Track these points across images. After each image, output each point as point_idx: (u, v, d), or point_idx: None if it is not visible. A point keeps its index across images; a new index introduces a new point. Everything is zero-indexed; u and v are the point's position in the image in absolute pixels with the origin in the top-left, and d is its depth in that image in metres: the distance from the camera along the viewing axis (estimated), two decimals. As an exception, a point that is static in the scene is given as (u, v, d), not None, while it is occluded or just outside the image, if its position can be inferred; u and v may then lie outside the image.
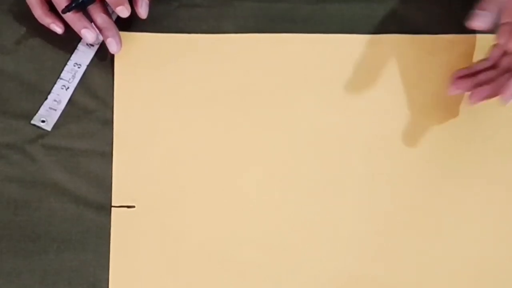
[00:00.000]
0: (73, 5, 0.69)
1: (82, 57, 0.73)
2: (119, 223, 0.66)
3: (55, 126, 0.70)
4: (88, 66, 0.73)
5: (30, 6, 0.71)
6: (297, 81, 0.74)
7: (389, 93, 0.75)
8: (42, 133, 0.70)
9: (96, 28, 0.71)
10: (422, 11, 0.78)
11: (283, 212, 0.68)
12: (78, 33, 0.70)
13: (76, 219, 0.66)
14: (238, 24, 0.77)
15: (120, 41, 0.71)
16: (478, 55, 0.78)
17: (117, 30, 0.72)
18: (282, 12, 0.78)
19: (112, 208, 0.66)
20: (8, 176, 0.68)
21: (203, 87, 0.73)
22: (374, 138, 0.72)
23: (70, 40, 0.73)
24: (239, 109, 0.73)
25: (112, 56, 0.73)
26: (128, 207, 0.67)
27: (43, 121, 0.70)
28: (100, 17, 0.71)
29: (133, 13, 0.76)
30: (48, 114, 0.70)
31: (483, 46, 0.78)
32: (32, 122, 0.70)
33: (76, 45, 0.74)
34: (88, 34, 0.70)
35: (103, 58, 0.73)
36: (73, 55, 0.73)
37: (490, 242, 0.68)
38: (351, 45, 0.77)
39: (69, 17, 0.70)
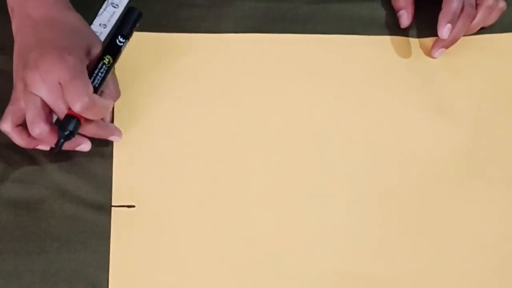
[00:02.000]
0: (62, 141, 0.65)
1: (82, 57, 0.73)
2: (119, 222, 0.66)
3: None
4: (88, 66, 0.73)
5: (10, 136, 0.66)
6: (296, 81, 0.75)
7: (389, 94, 0.75)
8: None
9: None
10: (422, 13, 0.78)
11: (283, 212, 0.68)
12: (72, 150, 0.68)
13: (76, 219, 0.66)
14: (238, 24, 0.77)
15: (120, 133, 0.69)
16: (479, 56, 0.78)
17: (111, 126, 0.69)
18: (282, 12, 0.78)
19: (112, 208, 0.66)
20: (8, 176, 0.68)
21: (203, 87, 0.73)
22: (373, 138, 0.72)
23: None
24: (238, 109, 0.73)
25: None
26: (128, 206, 0.67)
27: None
28: (91, 130, 0.67)
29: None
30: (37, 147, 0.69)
31: (484, 46, 0.78)
32: None
33: (76, 45, 0.74)
34: (85, 147, 0.68)
35: (103, 58, 0.74)
36: (73, 55, 0.73)
37: (490, 242, 0.68)
38: (351, 46, 0.77)
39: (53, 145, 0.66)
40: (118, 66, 0.72)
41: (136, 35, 0.74)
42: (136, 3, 0.77)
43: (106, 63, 0.67)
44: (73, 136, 0.65)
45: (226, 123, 0.72)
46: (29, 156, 0.68)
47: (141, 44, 0.75)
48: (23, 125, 0.66)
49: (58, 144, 0.65)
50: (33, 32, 0.67)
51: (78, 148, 0.67)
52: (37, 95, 0.64)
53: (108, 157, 0.69)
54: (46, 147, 0.67)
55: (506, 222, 0.69)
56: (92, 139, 0.68)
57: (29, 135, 0.66)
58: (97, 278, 0.64)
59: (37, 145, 0.67)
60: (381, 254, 0.66)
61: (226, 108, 0.72)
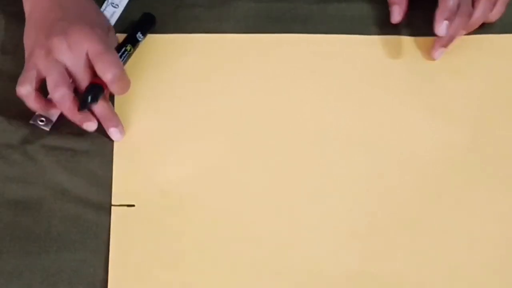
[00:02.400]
0: (88, 102, 0.66)
1: (82, 57, 0.74)
2: (119, 222, 0.66)
3: (55, 126, 0.70)
4: (87, 66, 0.73)
5: (25, 100, 0.67)
6: (296, 82, 0.75)
7: (389, 94, 0.75)
8: (42, 133, 0.69)
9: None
10: (421, 12, 0.78)
11: (283, 211, 0.68)
12: (79, 125, 0.68)
13: (76, 219, 0.66)
14: (238, 24, 0.77)
15: (123, 130, 0.70)
16: (479, 56, 0.78)
17: (118, 117, 0.70)
18: (282, 12, 0.78)
19: (112, 207, 0.66)
20: (8, 176, 0.68)
21: (203, 87, 0.73)
22: (374, 137, 0.72)
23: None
24: (238, 109, 0.73)
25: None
26: (128, 206, 0.67)
27: (42, 121, 0.69)
28: (104, 109, 0.68)
29: (135, 14, 0.77)
30: (47, 114, 0.70)
31: (484, 46, 0.78)
32: (32, 122, 0.69)
33: (76, 45, 0.74)
34: (92, 125, 0.68)
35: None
36: (73, 55, 0.73)
37: (490, 242, 0.67)
38: (351, 46, 0.77)
39: (70, 112, 0.67)
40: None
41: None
42: (136, 3, 0.77)
43: (128, 50, 0.73)
44: (96, 102, 0.67)
45: (226, 123, 0.72)
46: (29, 156, 0.69)
47: (141, 46, 0.75)
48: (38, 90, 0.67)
49: (81, 107, 0.66)
50: (58, 7, 0.69)
51: (84, 126, 0.68)
52: (61, 62, 0.65)
53: (108, 157, 0.69)
54: (57, 112, 0.68)
55: (506, 222, 0.69)
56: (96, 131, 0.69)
57: (43, 99, 0.67)
58: (97, 278, 0.64)
59: (50, 110, 0.68)
60: (381, 254, 0.66)
61: (226, 108, 0.72)
